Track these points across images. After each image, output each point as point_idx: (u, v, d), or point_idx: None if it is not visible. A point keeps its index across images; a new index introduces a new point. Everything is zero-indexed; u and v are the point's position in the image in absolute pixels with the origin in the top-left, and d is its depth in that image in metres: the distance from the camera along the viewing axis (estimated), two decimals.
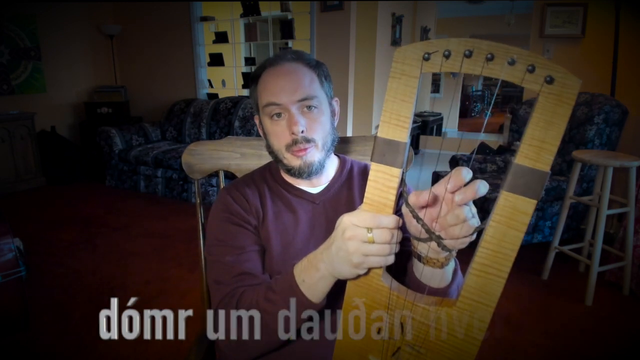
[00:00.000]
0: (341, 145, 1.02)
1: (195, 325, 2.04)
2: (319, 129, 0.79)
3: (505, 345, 1.79)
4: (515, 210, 0.45)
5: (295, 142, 0.78)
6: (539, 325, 1.93)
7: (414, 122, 5.63)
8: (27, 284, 1.82)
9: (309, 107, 0.78)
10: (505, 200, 0.45)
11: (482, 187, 0.48)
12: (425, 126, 6.00)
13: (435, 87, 8.13)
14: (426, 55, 0.43)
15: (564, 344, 1.80)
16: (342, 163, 0.90)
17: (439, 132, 6.65)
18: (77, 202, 3.73)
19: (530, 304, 2.11)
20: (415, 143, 5.95)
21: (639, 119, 2.70)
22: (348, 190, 0.87)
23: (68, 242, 2.82)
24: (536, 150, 0.43)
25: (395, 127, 0.47)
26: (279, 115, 0.79)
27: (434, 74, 7.63)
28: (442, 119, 6.75)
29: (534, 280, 2.34)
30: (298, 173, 0.80)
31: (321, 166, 0.81)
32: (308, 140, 0.78)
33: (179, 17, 4.36)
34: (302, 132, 0.77)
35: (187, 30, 4.35)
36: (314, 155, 0.79)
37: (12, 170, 3.95)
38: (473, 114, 10.43)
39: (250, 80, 0.85)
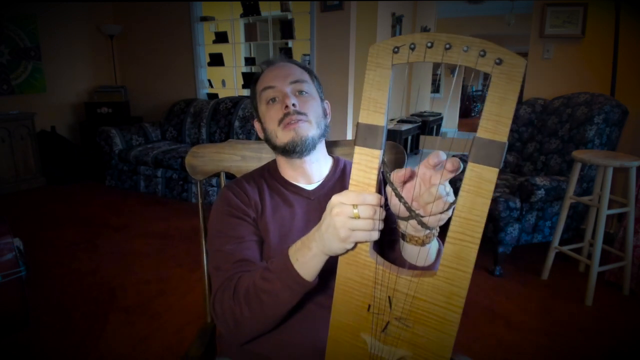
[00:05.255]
0: (336, 149, 1.07)
1: (196, 325, 2.04)
2: (310, 108, 0.87)
3: (505, 345, 1.79)
4: (481, 179, 0.49)
5: (286, 114, 0.85)
6: (539, 325, 1.93)
7: (414, 122, 5.65)
8: (27, 284, 1.83)
9: (300, 92, 0.88)
10: (471, 171, 0.49)
11: (459, 162, 0.53)
12: (425, 126, 6.00)
13: (435, 87, 8.13)
14: (395, 49, 0.50)
15: (564, 344, 1.80)
16: (336, 162, 0.97)
17: (438, 132, 6.65)
18: (77, 202, 3.73)
19: (530, 304, 2.11)
20: (415, 143, 5.95)
21: (639, 119, 2.70)
22: (341, 187, 0.92)
23: (68, 242, 2.82)
24: (494, 124, 0.47)
25: (374, 113, 0.53)
26: (273, 100, 0.87)
27: (434, 74, 7.63)
28: (442, 119, 6.75)
29: (534, 280, 2.34)
30: (292, 147, 0.85)
31: (314, 144, 0.86)
32: (300, 113, 0.85)
33: (179, 17, 4.37)
34: (294, 105, 0.85)
35: (187, 30, 4.35)
36: (307, 129, 0.85)
37: (12, 170, 3.95)
38: (473, 114, 10.44)
39: (251, 83, 0.94)
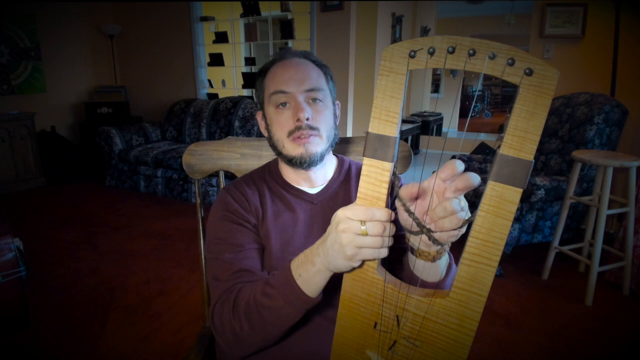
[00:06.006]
0: (341, 146, 1.03)
1: (196, 325, 2.03)
2: (323, 120, 0.81)
3: (505, 345, 1.79)
4: (502, 200, 0.46)
5: (298, 128, 0.78)
6: (539, 325, 1.93)
7: (414, 122, 5.65)
8: (27, 284, 1.82)
9: (314, 100, 0.80)
10: (492, 189, 0.46)
11: (474, 178, 0.49)
12: (425, 126, 6.00)
13: (435, 87, 8.13)
14: (412, 53, 0.45)
15: (564, 344, 1.80)
16: (341, 163, 0.91)
17: (439, 132, 6.65)
18: (77, 202, 3.73)
19: (530, 304, 2.11)
20: (415, 143, 5.95)
21: (639, 119, 2.70)
22: (345, 191, 0.88)
23: (68, 242, 2.82)
24: (519, 140, 0.44)
25: (385, 123, 0.49)
26: (284, 104, 0.80)
27: (434, 74, 7.63)
28: (442, 119, 6.74)
29: (534, 280, 2.34)
30: (299, 162, 0.80)
31: (322, 159, 0.82)
32: (312, 128, 0.79)
33: (179, 17, 4.36)
34: (308, 119, 0.78)
35: (187, 30, 4.35)
36: (317, 144, 0.80)
37: (12, 170, 3.95)
38: (473, 114, 10.43)
39: (257, 74, 0.87)
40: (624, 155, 2.14)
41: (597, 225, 2.08)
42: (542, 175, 2.61)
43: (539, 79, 0.42)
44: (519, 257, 2.62)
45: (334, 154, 0.92)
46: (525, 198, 2.28)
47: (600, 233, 2.06)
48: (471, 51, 0.43)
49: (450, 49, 0.44)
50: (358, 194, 0.52)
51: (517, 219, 2.33)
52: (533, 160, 0.44)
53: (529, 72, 0.42)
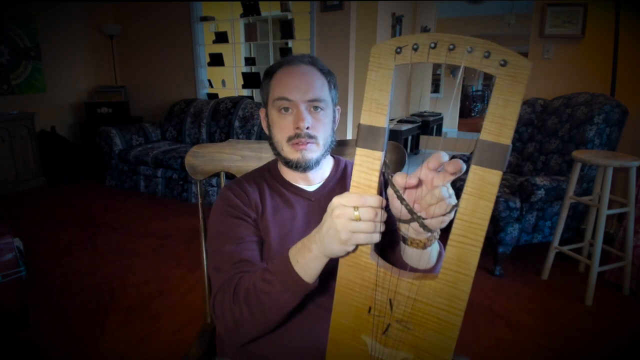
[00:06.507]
0: (338, 148, 1.07)
1: (196, 325, 2.04)
2: (322, 129, 0.85)
3: (505, 345, 1.79)
4: (483, 182, 0.49)
5: (297, 135, 0.83)
6: (539, 325, 1.93)
7: (414, 122, 5.65)
8: (27, 284, 1.83)
9: (316, 108, 0.84)
10: (474, 173, 0.49)
11: (462, 163, 0.53)
12: (425, 126, 5.99)
13: (435, 87, 8.14)
14: (398, 49, 0.49)
15: (564, 344, 1.80)
16: (337, 163, 0.96)
17: (439, 132, 6.65)
18: (77, 202, 3.73)
19: (530, 304, 2.11)
20: (415, 143, 5.95)
21: (639, 119, 2.70)
22: (341, 189, 0.92)
23: (68, 242, 2.82)
24: (497, 126, 0.47)
25: (375, 114, 0.52)
26: (286, 109, 0.84)
27: (434, 74, 7.64)
28: (442, 119, 6.74)
29: (534, 280, 2.34)
30: (295, 166, 0.85)
31: (317, 163, 0.86)
32: (310, 137, 0.83)
33: (179, 17, 4.37)
34: (307, 128, 0.83)
35: (187, 30, 4.35)
36: (313, 151, 0.85)
37: (12, 170, 3.95)
38: (473, 114, 10.44)
39: (264, 74, 0.90)
40: (624, 155, 2.14)
41: (597, 225, 2.08)
42: (542, 175, 2.61)
43: (513, 69, 0.45)
44: (519, 257, 2.62)
45: (331, 155, 0.96)
46: (525, 198, 2.28)
47: (600, 233, 2.06)
48: (451, 46, 0.46)
49: (433, 45, 0.47)
50: (351, 183, 0.56)
51: (517, 219, 2.33)
52: (511, 145, 0.47)
53: (504, 63, 0.45)
